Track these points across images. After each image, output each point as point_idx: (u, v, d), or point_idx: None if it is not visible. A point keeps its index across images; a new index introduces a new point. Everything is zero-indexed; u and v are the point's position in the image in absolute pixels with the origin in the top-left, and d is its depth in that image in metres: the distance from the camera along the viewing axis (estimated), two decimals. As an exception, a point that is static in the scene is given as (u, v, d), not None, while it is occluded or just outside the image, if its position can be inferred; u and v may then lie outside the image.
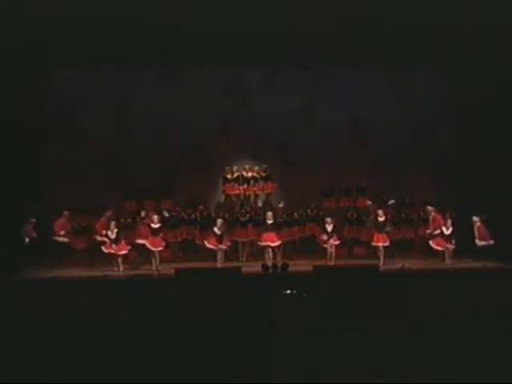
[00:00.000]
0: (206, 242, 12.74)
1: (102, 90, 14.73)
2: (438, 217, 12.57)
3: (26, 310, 7.30)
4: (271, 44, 12.91)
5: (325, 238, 12.38)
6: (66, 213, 12.84)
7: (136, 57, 13.45)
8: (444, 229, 12.32)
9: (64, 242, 12.70)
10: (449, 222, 12.37)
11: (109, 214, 12.74)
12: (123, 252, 12.22)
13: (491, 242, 12.08)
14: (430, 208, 12.84)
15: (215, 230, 12.55)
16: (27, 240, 12.21)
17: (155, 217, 12.33)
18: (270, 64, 14.37)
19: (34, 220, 12.48)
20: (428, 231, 12.58)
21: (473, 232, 12.30)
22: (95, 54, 13.14)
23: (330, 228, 12.42)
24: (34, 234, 12.32)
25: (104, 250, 12.12)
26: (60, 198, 13.40)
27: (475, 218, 12.30)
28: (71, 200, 13.28)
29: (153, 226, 12.26)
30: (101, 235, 12.19)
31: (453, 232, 12.35)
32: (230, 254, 13.18)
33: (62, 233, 12.62)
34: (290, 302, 8.02)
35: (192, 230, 13.52)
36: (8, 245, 11.66)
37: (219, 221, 12.66)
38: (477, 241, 12.21)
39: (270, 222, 12.48)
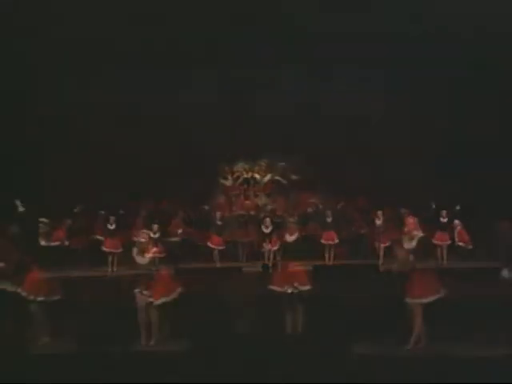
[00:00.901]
0: (207, 242, 12.72)
1: (103, 89, 14.72)
2: (411, 219, 12.53)
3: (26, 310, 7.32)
4: (271, 44, 12.92)
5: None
6: (102, 213, 12.72)
7: (136, 57, 13.44)
8: (441, 217, 12.44)
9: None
10: (446, 219, 12.46)
11: (144, 214, 12.86)
12: (118, 250, 12.13)
13: (470, 246, 12.24)
14: (403, 210, 12.81)
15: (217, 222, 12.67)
16: (55, 243, 11.43)
17: (155, 226, 12.19)
18: (270, 63, 14.36)
19: (68, 221, 12.12)
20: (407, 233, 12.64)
21: (453, 234, 12.45)
22: (95, 53, 13.14)
23: (329, 219, 12.65)
24: (64, 239, 11.83)
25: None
26: (60, 199, 13.39)
27: (456, 222, 12.44)
28: (71, 200, 13.28)
29: (152, 235, 12.07)
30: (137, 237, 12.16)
31: (447, 224, 12.44)
32: (230, 254, 13.19)
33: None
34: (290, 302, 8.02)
35: (192, 230, 13.54)
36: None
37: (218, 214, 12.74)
38: (456, 242, 12.39)
39: (266, 231, 12.35)
